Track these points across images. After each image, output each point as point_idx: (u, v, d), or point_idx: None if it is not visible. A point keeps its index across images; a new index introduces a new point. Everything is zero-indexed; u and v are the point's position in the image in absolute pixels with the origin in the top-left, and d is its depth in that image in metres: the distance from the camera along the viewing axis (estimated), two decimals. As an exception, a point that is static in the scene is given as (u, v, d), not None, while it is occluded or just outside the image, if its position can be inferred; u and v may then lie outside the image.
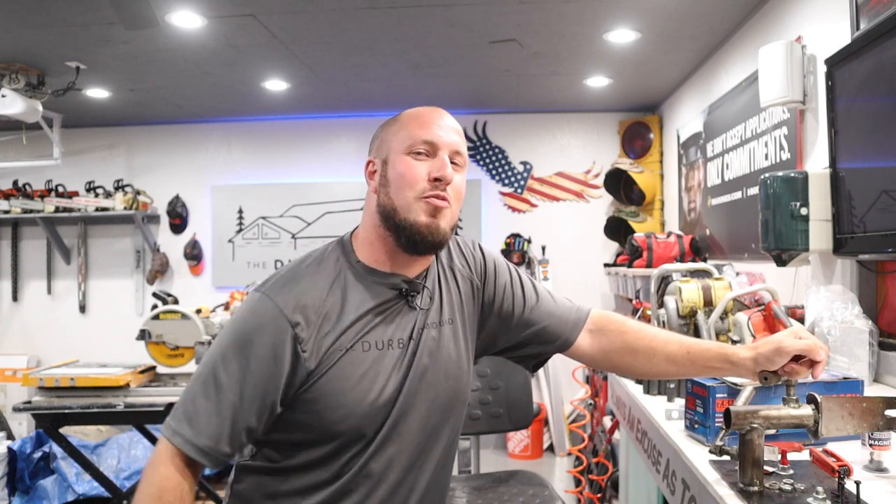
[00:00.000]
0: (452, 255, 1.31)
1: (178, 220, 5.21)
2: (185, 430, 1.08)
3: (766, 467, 1.11)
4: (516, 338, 1.32)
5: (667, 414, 1.59)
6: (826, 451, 1.15)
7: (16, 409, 2.78)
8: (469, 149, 5.09)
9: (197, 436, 1.07)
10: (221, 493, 3.49)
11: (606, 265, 4.50)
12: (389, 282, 1.18)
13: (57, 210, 4.95)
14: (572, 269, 4.96)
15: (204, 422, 1.07)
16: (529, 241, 5.04)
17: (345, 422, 1.11)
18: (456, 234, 1.27)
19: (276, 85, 4.20)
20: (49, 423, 2.78)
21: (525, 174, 5.09)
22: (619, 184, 4.79)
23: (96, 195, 4.96)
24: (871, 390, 1.71)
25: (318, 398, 1.10)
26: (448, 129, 1.19)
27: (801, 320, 2.00)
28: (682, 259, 3.69)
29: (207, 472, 3.82)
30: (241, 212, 5.18)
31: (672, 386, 1.78)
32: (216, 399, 1.07)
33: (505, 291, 1.32)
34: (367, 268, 1.18)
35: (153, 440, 3.33)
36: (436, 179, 1.13)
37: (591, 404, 3.81)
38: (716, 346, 1.24)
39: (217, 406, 1.07)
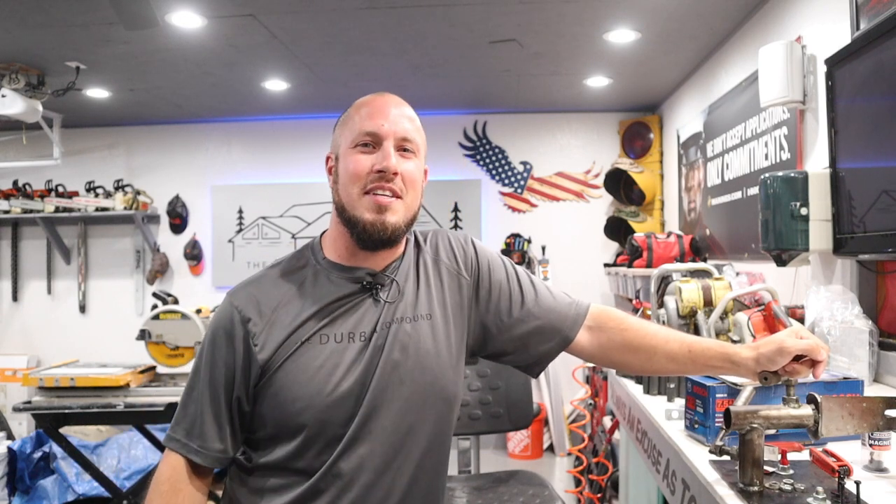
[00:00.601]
0: (440, 249, 1.28)
1: (178, 220, 5.21)
2: (179, 434, 1.14)
3: (766, 467, 1.11)
4: (514, 334, 1.27)
5: (667, 414, 1.59)
6: (826, 451, 1.15)
7: (16, 409, 2.78)
8: (469, 149, 5.09)
9: (188, 437, 1.12)
10: (221, 493, 3.49)
11: (606, 265, 4.51)
12: (353, 275, 1.18)
13: (57, 210, 4.95)
14: (572, 269, 4.97)
15: (189, 423, 1.13)
16: (529, 241, 5.04)
17: (304, 414, 1.10)
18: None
19: (276, 85, 4.20)
20: (49, 423, 2.78)
21: (525, 174, 5.09)
22: (619, 184, 4.79)
23: (96, 195, 4.96)
24: (871, 390, 1.71)
25: (276, 391, 1.11)
26: (394, 117, 1.15)
27: (801, 320, 2.00)
28: (682, 259, 3.69)
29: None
30: (241, 212, 5.18)
31: (672, 386, 1.78)
32: (197, 399, 1.14)
33: (500, 287, 1.28)
34: (331, 263, 1.19)
35: (153, 440, 3.34)
36: (378, 171, 1.12)
37: (591, 404, 3.81)
38: (717, 346, 1.22)
39: (198, 405, 1.13)
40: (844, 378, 1.41)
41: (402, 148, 1.15)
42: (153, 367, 3.09)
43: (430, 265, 1.26)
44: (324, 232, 1.26)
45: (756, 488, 1.07)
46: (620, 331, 1.27)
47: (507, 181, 5.11)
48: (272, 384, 1.11)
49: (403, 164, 1.14)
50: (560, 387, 4.71)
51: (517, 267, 1.34)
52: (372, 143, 1.13)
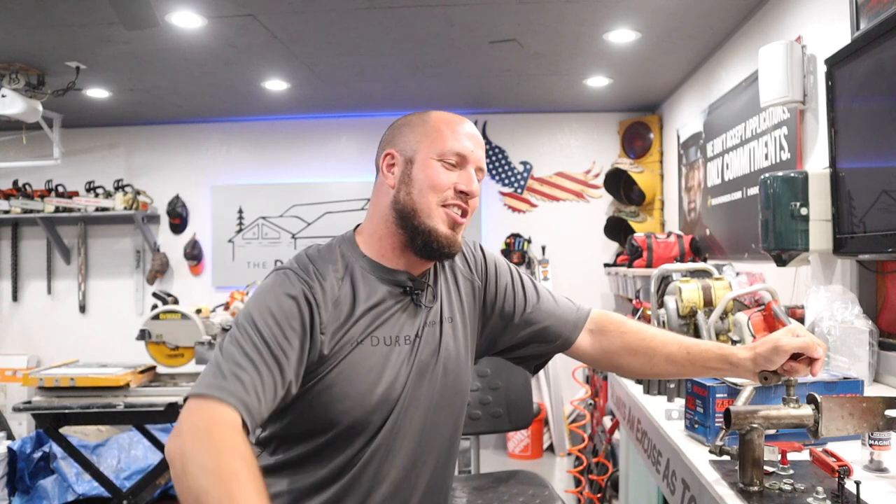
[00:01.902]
0: (462, 254, 1.33)
1: (178, 220, 5.21)
2: (233, 386, 0.97)
3: (766, 467, 1.11)
4: (517, 337, 1.33)
5: (667, 414, 1.59)
6: (826, 451, 1.15)
7: (16, 409, 2.78)
8: (469, 149, 5.09)
9: (246, 392, 0.97)
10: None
11: (606, 265, 4.50)
12: (396, 278, 1.18)
13: (57, 210, 4.95)
14: (572, 269, 4.97)
15: (245, 380, 0.98)
16: (529, 241, 5.04)
17: (349, 414, 1.10)
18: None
19: (276, 85, 4.20)
20: (49, 423, 2.78)
21: (525, 174, 5.09)
22: (619, 184, 4.79)
23: (96, 195, 4.96)
24: (871, 390, 1.71)
25: (326, 387, 1.09)
26: (478, 143, 1.21)
27: (801, 320, 2.00)
28: (682, 259, 3.69)
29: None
30: (241, 212, 5.18)
31: (672, 386, 1.78)
32: (254, 358, 1.01)
33: (506, 291, 1.33)
34: (374, 263, 1.18)
35: (153, 440, 3.33)
36: (462, 192, 1.16)
37: (591, 404, 3.81)
38: (715, 347, 1.24)
39: (254, 364, 1.00)
40: (844, 378, 1.41)
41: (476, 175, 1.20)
42: (153, 367, 3.09)
43: (449, 270, 1.30)
44: (354, 230, 1.24)
45: (756, 488, 1.07)
46: (620, 333, 1.31)
47: (507, 181, 5.11)
48: (324, 379, 1.10)
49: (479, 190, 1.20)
50: (560, 387, 4.71)
51: (521, 271, 1.39)
52: (456, 162, 1.17)
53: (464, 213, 1.18)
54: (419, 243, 1.15)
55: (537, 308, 1.32)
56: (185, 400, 0.98)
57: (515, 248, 5.01)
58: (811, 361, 1.14)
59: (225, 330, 3.08)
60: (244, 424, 0.94)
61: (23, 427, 4.52)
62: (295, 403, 1.09)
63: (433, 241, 1.14)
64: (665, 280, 2.24)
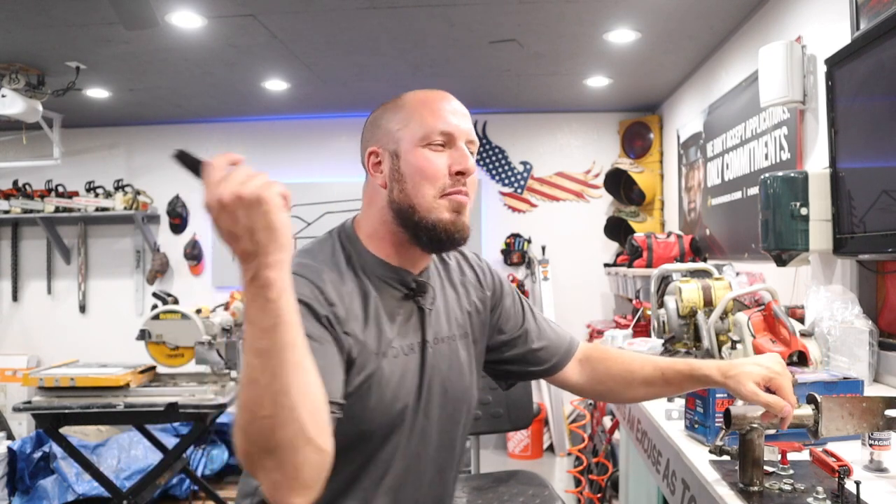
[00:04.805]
0: (461, 263, 1.29)
1: (178, 220, 5.21)
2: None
3: (766, 467, 1.11)
4: (506, 355, 1.32)
5: (667, 414, 1.59)
6: (826, 451, 1.15)
7: (16, 409, 2.77)
8: (469, 149, 5.09)
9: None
10: (222, 494, 3.49)
11: (606, 265, 4.50)
12: (400, 278, 1.11)
13: (57, 210, 4.95)
14: (572, 269, 4.96)
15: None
16: (529, 241, 5.04)
17: (370, 426, 1.04)
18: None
19: (276, 85, 4.20)
20: (49, 423, 2.77)
21: (525, 174, 5.09)
22: (619, 184, 4.79)
23: (96, 195, 4.96)
24: (871, 390, 1.71)
25: (356, 398, 1.02)
26: (462, 115, 1.13)
27: (801, 320, 2.00)
28: (682, 259, 3.69)
29: (207, 472, 3.82)
30: (241, 212, 5.17)
31: (672, 386, 1.77)
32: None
33: (507, 310, 1.31)
34: (379, 260, 1.10)
35: (153, 440, 3.33)
36: (458, 173, 1.07)
37: (591, 404, 3.81)
38: (682, 363, 1.24)
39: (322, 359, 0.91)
40: (844, 378, 1.41)
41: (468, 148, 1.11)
42: (153, 367, 3.09)
43: (457, 277, 1.25)
44: (353, 219, 1.16)
45: (756, 488, 1.07)
46: (603, 360, 1.33)
47: (507, 181, 5.10)
48: (350, 388, 1.01)
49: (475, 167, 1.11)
50: (560, 387, 4.70)
51: (520, 293, 1.38)
52: (443, 142, 1.08)
53: (465, 195, 1.09)
54: (425, 239, 1.08)
55: (533, 330, 1.32)
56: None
57: (515, 248, 5.01)
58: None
59: (226, 330, 3.08)
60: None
61: (23, 427, 4.52)
62: None
63: (441, 232, 1.07)
64: (665, 280, 2.24)
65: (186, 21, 3.04)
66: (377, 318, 1.06)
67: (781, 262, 2.13)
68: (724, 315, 1.91)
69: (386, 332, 1.07)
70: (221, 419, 3.08)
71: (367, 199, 1.15)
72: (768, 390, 1.08)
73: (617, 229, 4.74)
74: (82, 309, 5.27)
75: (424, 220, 1.07)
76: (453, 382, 1.17)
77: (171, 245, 5.22)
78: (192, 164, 0.86)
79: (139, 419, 3.03)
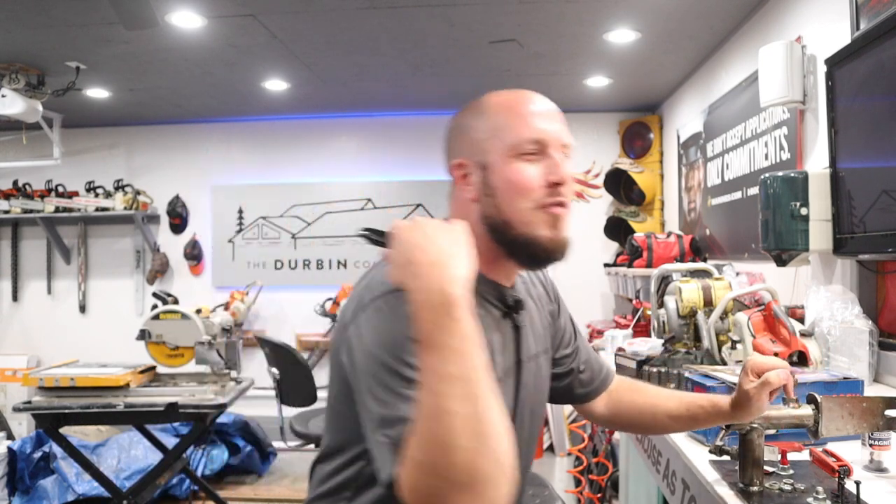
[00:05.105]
0: (532, 276, 1.21)
1: (178, 220, 5.21)
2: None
3: (766, 467, 1.11)
4: (556, 370, 1.24)
5: (667, 414, 1.59)
6: (826, 451, 1.15)
7: (16, 409, 2.78)
8: (469, 149, 5.08)
9: None
10: (222, 494, 3.49)
11: (606, 265, 4.50)
12: (499, 294, 1.04)
13: (57, 210, 4.95)
14: (572, 268, 4.92)
15: None
16: (529, 241, 5.03)
17: None
18: None
19: (276, 85, 4.20)
20: (49, 423, 2.77)
21: (525, 174, 5.08)
22: (619, 184, 4.78)
23: (96, 195, 4.96)
24: (871, 390, 1.71)
25: None
26: (553, 117, 1.04)
27: (801, 320, 2.00)
28: (682, 259, 3.69)
29: (207, 472, 3.82)
30: (241, 212, 5.18)
31: (672, 386, 1.77)
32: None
33: (569, 323, 1.26)
34: (481, 275, 0.99)
35: (153, 440, 3.33)
36: (554, 184, 0.98)
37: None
38: (704, 398, 1.19)
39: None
40: (844, 378, 1.41)
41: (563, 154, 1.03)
42: (153, 367, 3.09)
43: (532, 289, 1.18)
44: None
45: (756, 488, 1.07)
46: (629, 391, 1.27)
47: (507, 181, 5.10)
48: None
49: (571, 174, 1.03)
50: (560, 387, 4.70)
51: None
52: (537, 150, 0.99)
53: (564, 207, 1.00)
54: (524, 256, 1.01)
55: (582, 350, 1.26)
56: (391, 478, 0.76)
57: (515, 248, 5.00)
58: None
59: (226, 330, 3.08)
60: None
61: (23, 427, 4.52)
62: None
63: (540, 250, 0.99)
64: (665, 280, 2.24)
65: (186, 21, 3.05)
66: (488, 338, 0.96)
67: (781, 262, 2.13)
68: (724, 315, 1.91)
69: (494, 353, 0.99)
70: (221, 419, 3.08)
71: (456, 210, 1.05)
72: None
73: (617, 229, 4.74)
74: (82, 309, 5.27)
75: (522, 235, 0.99)
76: (538, 401, 1.13)
77: (171, 245, 5.22)
78: (379, 236, 0.85)
79: (139, 419, 3.03)
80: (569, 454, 4.49)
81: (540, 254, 1.00)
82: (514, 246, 1.00)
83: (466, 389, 0.70)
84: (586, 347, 1.29)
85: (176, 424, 3.74)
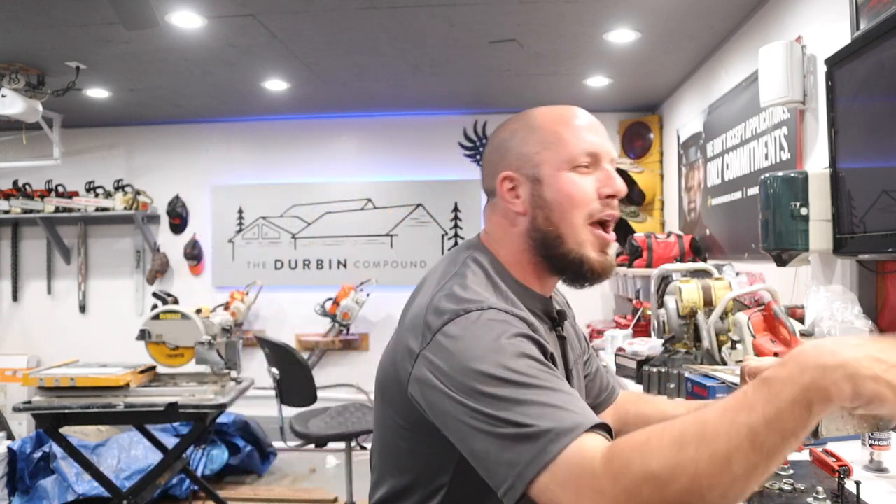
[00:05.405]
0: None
1: (178, 220, 5.21)
2: (580, 417, 0.79)
3: (766, 467, 1.11)
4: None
5: (667, 414, 1.59)
6: (826, 451, 1.15)
7: (16, 409, 2.78)
8: (469, 149, 5.09)
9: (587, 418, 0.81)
10: (222, 494, 3.49)
11: (606, 265, 4.50)
12: (546, 308, 1.05)
13: (57, 210, 4.95)
14: (572, 269, 4.95)
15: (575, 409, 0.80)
16: (529, 241, 5.02)
17: None
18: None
19: (276, 85, 4.20)
20: (49, 423, 2.77)
21: (525, 174, 5.08)
22: (619, 184, 4.78)
23: (96, 195, 4.96)
24: (871, 390, 1.70)
25: None
26: (600, 131, 1.05)
27: (801, 320, 2.00)
28: (682, 259, 3.69)
29: (207, 472, 3.82)
30: (241, 212, 5.18)
31: (672, 386, 1.78)
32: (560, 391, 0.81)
33: (580, 331, 1.26)
34: (528, 290, 1.02)
35: (153, 440, 3.33)
36: (609, 196, 1.01)
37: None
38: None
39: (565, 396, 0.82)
40: (844, 378, 1.41)
41: None
42: (153, 367, 3.09)
43: (558, 297, 1.19)
44: (483, 246, 1.06)
45: (756, 488, 1.07)
46: (635, 403, 1.28)
47: (507, 181, 5.10)
48: None
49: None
50: (560, 387, 4.70)
51: None
52: (590, 163, 1.01)
53: (611, 232, 1.04)
54: (570, 274, 1.02)
55: (592, 358, 1.27)
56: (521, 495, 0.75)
57: (515, 248, 5.00)
58: None
59: (226, 330, 3.08)
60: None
61: (23, 427, 4.52)
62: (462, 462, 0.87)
63: (587, 270, 1.01)
64: (665, 280, 2.24)
65: (186, 21, 3.04)
66: (551, 353, 0.96)
67: (781, 262, 2.13)
68: (724, 315, 1.91)
69: (557, 366, 0.98)
70: (221, 419, 3.08)
71: (499, 225, 1.06)
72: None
73: (617, 229, 4.73)
74: (82, 309, 5.27)
75: (572, 252, 1.01)
76: None
77: (171, 245, 5.22)
78: None
79: (139, 419, 3.03)
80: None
81: (587, 273, 1.01)
82: (564, 262, 1.01)
83: (788, 447, 0.69)
84: (595, 358, 1.29)
85: (176, 424, 3.75)
